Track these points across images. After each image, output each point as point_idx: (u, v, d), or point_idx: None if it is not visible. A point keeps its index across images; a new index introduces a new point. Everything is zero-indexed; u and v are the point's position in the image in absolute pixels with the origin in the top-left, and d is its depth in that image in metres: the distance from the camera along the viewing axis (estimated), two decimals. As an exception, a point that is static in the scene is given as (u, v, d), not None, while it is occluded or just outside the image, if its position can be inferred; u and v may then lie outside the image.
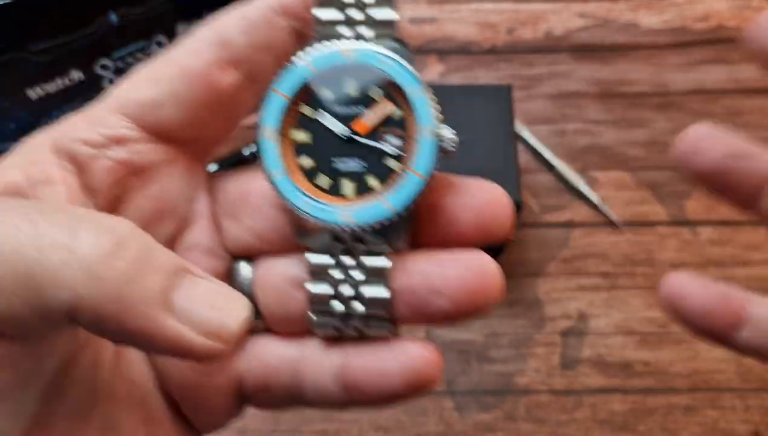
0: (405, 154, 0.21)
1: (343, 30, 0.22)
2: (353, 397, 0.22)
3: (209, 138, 0.23)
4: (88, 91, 0.43)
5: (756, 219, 0.26)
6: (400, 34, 0.22)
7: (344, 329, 0.22)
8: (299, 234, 0.22)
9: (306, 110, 0.22)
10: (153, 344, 0.18)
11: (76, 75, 0.42)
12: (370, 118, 0.22)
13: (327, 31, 0.22)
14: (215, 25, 0.22)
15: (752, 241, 0.51)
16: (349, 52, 0.21)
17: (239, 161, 0.47)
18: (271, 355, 0.23)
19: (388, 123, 0.22)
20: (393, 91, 0.21)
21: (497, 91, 0.49)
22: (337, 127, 0.22)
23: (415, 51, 0.59)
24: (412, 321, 0.22)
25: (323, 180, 0.22)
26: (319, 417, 0.46)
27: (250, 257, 0.23)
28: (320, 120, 0.22)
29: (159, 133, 0.22)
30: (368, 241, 0.22)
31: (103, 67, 0.43)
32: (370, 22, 0.22)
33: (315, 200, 0.21)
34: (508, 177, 0.45)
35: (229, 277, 0.23)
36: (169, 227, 0.23)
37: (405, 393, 0.21)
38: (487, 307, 0.21)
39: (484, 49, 0.60)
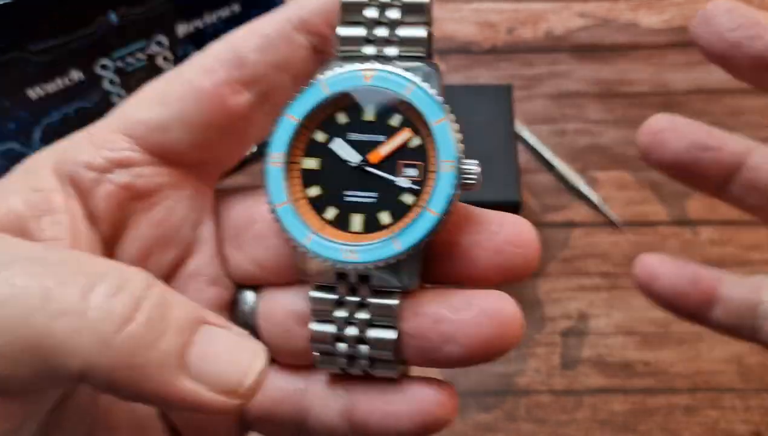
0: (422, 188, 0.20)
1: (368, 49, 0.20)
2: (360, 434, 0.21)
3: (218, 161, 0.22)
4: (88, 91, 0.43)
5: (729, 202, 0.26)
6: (432, 54, 0.20)
7: (349, 369, 0.21)
8: (302, 269, 0.21)
9: (319, 136, 0.20)
10: (168, 405, 0.17)
11: (76, 75, 0.42)
12: (386, 147, 0.20)
13: (349, 49, 0.20)
14: (230, 41, 0.21)
15: (752, 241, 0.51)
16: (369, 75, 0.20)
17: (241, 162, 0.47)
18: (275, 387, 0.22)
19: (406, 152, 0.20)
20: (414, 118, 0.20)
21: (497, 91, 0.49)
22: (351, 156, 0.20)
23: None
24: (420, 364, 0.21)
25: (331, 212, 0.20)
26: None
27: (255, 286, 0.22)
28: (333, 147, 0.20)
29: (165, 156, 0.21)
30: (374, 279, 0.20)
31: (103, 67, 0.43)
32: (395, 40, 0.20)
33: (318, 235, 0.20)
34: (508, 177, 0.45)
35: (233, 306, 0.22)
36: (172, 254, 0.22)
37: (416, 434, 0.20)
38: (504, 352, 0.20)
39: (484, 49, 0.60)
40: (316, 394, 0.22)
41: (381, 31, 0.20)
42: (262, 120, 0.21)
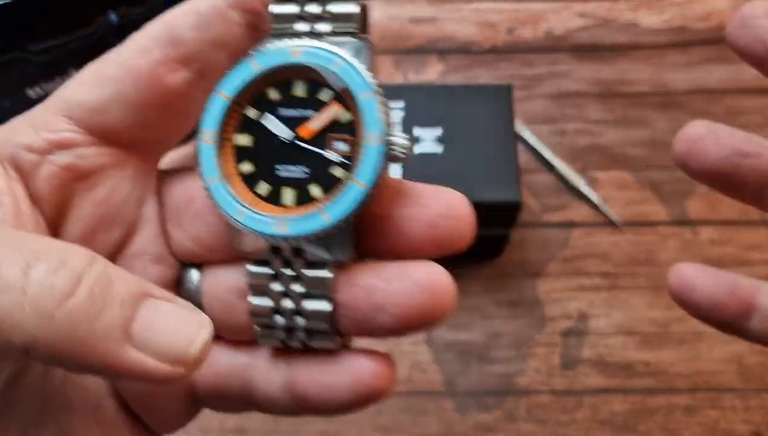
0: (351, 162, 0.20)
1: (300, 26, 0.20)
2: (302, 407, 0.21)
3: (160, 139, 0.22)
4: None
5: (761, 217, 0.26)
6: (366, 29, 0.20)
7: (289, 341, 0.21)
8: (237, 244, 0.21)
9: (250, 112, 0.21)
10: (114, 375, 0.17)
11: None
12: (316, 122, 0.20)
13: (282, 27, 0.20)
14: (165, 20, 0.21)
15: (752, 241, 0.51)
16: (297, 51, 0.20)
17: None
18: (221, 362, 0.22)
19: (336, 128, 0.20)
20: (344, 93, 0.20)
21: (497, 91, 0.49)
22: (282, 132, 0.20)
23: (406, 50, 0.59)
24: (356, 335, 0.21)
25: (263, 187, 0.20)
26: (319, 418, 0.46)
27: (200, 264, 0.23)
28: (264, 123, 0.20)
29: (105, 136, 0.21)
30: (307, 252, 0.20)
31: (103, 67, 0.43)
32: (327, 16, 0.20)
33: (250, 209, 0.20)
34: (508, 177, 0.45)
35: (178, 284, 0.23)
36: (116, 233, 0.22)
37: (353, 406, 0.21)
38: (436, 322, 0.20)
39: (484, 48, 0.60)
40: (259, 368, 0.22)
41: (313, 8, 0.20)
42: (201, 98, 0.21)
